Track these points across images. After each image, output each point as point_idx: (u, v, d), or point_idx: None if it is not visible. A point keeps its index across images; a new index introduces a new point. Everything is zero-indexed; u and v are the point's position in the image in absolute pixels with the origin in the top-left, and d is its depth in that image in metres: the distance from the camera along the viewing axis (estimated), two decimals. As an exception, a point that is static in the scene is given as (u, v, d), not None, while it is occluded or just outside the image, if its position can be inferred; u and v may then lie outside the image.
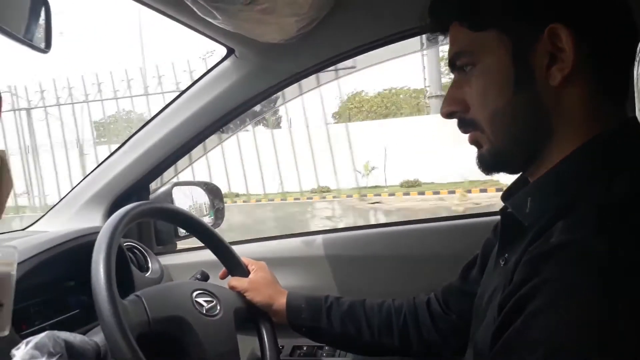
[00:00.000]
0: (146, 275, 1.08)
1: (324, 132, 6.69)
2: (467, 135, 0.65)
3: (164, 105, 1.21)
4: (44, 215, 1.26)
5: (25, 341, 0.62)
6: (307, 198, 7.44)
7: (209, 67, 1.17)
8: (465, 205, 6.57)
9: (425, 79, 9.43)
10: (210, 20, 0.84)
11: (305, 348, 1.18)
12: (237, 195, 7.65)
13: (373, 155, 7.03)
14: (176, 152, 1.20)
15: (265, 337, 0.95)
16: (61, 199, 1.26)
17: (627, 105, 0.61)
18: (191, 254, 1.32)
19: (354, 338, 0.94)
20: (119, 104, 6.47)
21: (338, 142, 6.55)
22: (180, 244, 1.35)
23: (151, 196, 1.26)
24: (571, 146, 0.56)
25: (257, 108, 1.24)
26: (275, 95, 1.21)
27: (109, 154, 1.25)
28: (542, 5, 0.56)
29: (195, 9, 0.80)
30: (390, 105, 7.80)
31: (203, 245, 1.02)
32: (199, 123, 1.17)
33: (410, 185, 7.28)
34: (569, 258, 0.46)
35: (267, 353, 0.93)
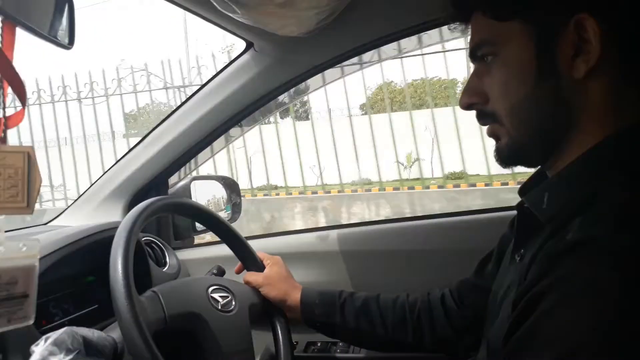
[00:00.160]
0: (164, 270, 1.09)
1: (359, 123, 6.48)
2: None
3: (183, 100, 1.21)
4: (65, 210, 1.28)
5: (44, 337, 0.63)
6: (352, 191, 7.22)
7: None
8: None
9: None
10: (229, 14, 0.83)
11: (319, 344, 1.19)
12: (275, 187, 7.42)
13: (412, 147, 6.70)
14: (195, 147, 1.21)
15: (279, 333, 0.95)
16: (82, 194, 1.28)
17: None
18: (208, 249, 1.33)
19: (367, 334, 0.94)
20: (152, 96, 6.51)
21: (375, 134, 6.36)
22: (198, 239, 1.36)
23: (170, 190, 1.27)
24: (592, 140, 0.55)
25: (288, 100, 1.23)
26: (312, 88, 1.21)
27: (128, 149, 1.26)
28: None
29: (214, 3, 0.80)
30: (424, 95, 7.60)
31: (220, 240, 1.03)
32: (218, 117, 1.17)
33: (456, 177, 7.00)
34: (586, 255, 0.45)
35: (281, 349, 0.94)
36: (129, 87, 6.29)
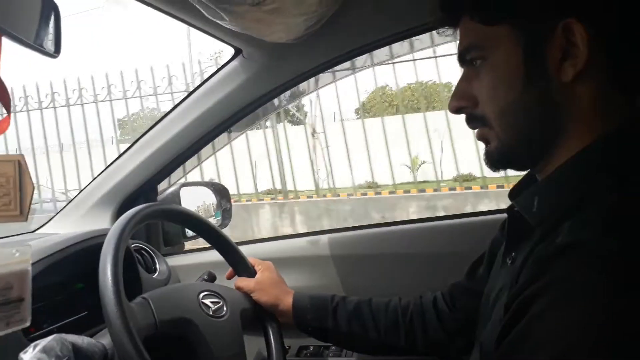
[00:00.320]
0: (153, 276, 1.08)
1: (359, 127, 6.39)
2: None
3: (171, 107, 1.21)
4: (53, 217, 1.27)
5: (33, 344, 0.62)
6: (362, 194, 7.09)
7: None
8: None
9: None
10: (217, 21, 0.83)
11: (311, 348, 1.19)
12: (279, 192, 7.25)
13: (412, 150, 6.57)
14: (184, 153, 1.21)
15: (271, 337, 0.95)
16: (70, 201, 1.27)
17: (638, 101, 0.60)
18: (199, 255, 1.33)
19: (360, 338, 0.94)
20: (142, 103, 6.42)
21: (376, 137, 6.27)
22: (188, 245, 1.36)
23: (159, 197, 1.27)
24: (580, 144, 0.55)
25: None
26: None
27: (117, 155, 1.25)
28: (557, 0, 0.55)
29: (202, 10, 0.80)
30: (422, 98, 7.54)
31: (210, 245, 1.02)
32: (206, 124, 1.17)
33: (465, 180, 6.89)
34: (576, 258, 0.46)
35: (274, 354, 0.93)
36: (119, 93, 6.23)
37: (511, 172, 0.68)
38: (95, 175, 1.27)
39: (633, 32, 0.55)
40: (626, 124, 0.55)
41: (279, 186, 6.90)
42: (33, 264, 0.81)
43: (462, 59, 0.63)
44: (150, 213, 0.86)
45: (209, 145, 1.25)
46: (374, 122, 6.53)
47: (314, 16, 0.90)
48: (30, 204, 0.47)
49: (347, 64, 1.15)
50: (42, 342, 0.63)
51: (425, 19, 0.95)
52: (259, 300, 0.96)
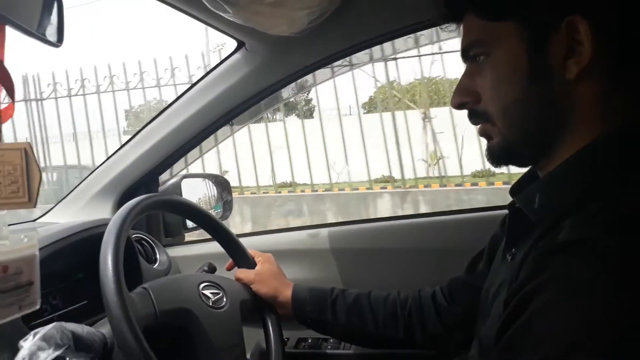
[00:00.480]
0: (154, 267, 1.09)
1: (374, 122, 6.28)
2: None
3: (174, 98, 1.22)
4: (54, 207, 1.27)
5: (33, 332, 0.63)
6: (381, 188, 6.98)
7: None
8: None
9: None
10: (220, 13, 0.83)
11: (310, 340, 1.19)
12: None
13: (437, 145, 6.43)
14: (186, 145, 1.21)
15: (270, 329, 0.96)
16: (71, 191, 1.28)
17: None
18: (199, 246, 1.33)
19: (358, 330, 0.95)
20: (145, 94, 6.37)
21: (391, 132, 6.17)
22: (188, 236, 1.36)
23: (160, 188, 1.27)
24: (583, 141, 0.55)
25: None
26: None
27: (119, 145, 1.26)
28: None
29: (206, 3, 0.80)
30: (432, 94, 7.42)
31: (211, 237, 1.03)
32: (208, 116, 1.17)
33: (482, 175, 6.81)
34: (577, 255, 0.46)
35: (272, 345, 0.94)
36: (121, 84, 6.20)
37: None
38: (97, 165, 1.28)
39: (636, 31, 0.55)
40: (628, 122, 0.55)
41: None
42: (34, 252, 0.82)
43: (466, 54, 0.63)
44: (151, 204, 0.86)
45: (211, 137, 1.25)
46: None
47: (317, 10, 0.90)
48: (38, 190, 0.48)
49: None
50: (42, 330, 0.63)
51: (428, 14, 0.95)
52: (259, 292, 0.97)
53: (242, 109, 1.18)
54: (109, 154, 1.26)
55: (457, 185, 6.52)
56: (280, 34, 0.96)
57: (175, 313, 0.80)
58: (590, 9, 0.53)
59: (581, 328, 0.42)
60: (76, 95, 6.19)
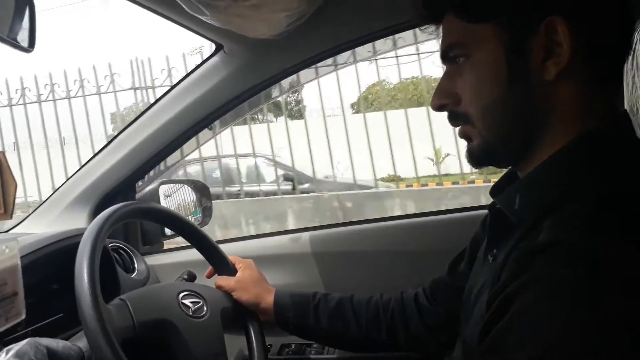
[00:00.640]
0: (132, 276, 1.06)
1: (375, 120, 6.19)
2: None
3: (151, 103, 1.19)
4: (27, 217, 1.23)
5: (5, 349, 0.60)
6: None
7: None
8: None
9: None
10: (198, 16, 0.82)
11: (293, 346, 1.18)
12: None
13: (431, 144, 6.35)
14: (163, 150, 1.19)
15: (252, 336, 0.95)
16: (45, 200, 1.24)
17: (618, 99, 0.61)
18: (178, 254, 1.31)
19: (341, 334, 0.94)
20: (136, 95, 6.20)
21: (391, 131, 6.08)
22: (167, 244, 1.34)
23: (137, 195, 1.25)
24: (562, 141, 0.56)
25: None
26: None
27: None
28: None
29: (183, 5, 0.79)
30: (425, 93, 7.46)
31: (190, 244, 1.01)
32: (187, 120, 1.16)
33: (490, 173, 6.82)
34: (557, 256, 0.46)
35: (255, 352, 0.93)
36: (93, 88, 6.05)
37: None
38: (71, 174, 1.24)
39: (614, 32, 0.56)
40: (606, 122, 0.56)
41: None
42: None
43: (445, 56, 0.63)
44: (127, 212, 0.84)
45: (192, 141, 1.23)
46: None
47: (296, 12, 0.89)
48: (14, 201, 0.46)
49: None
50: (16, 347, 0.60)
51: (408, 16, 0.95)
52: (240, 299, 0.96)
53: (221, 112, 1.16)
54: (83, 162, 1.23)
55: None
56: (259, 37, 0.95)
57: (155, 324, 0.78)
58: (568, 10, 0.53)
59: (563, 328, 0.43)
60: (46, 100, 6.02)
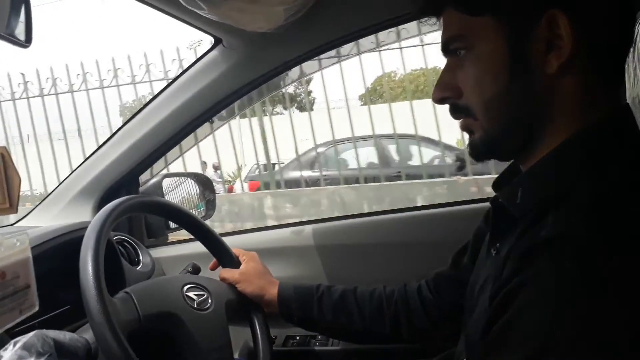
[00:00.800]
0: (137, 268, 1.07)
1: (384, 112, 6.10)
2: None
3: (152, 97, 1.20)
4: (32, 210, 1.24)
5: (13, 341, 0.61)
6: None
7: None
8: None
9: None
10: (196, 10, 0.82)
11: (298, 338, 1.19)
12: None
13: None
14: (166, 144, 1.19)
15: (257, 328, 0.95)
16: (50, 193, 1.25)
17: (620, 92, 0.61)
18: (183, 246, 1.32)
19: (345, 327, 0.95)
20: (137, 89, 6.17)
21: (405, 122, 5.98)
22: (172, 236, 1.35)
23: (141, 188, 1.25)
24: (564, 135, 0.55)
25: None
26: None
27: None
28: None
29: (180, 0, 0.79)
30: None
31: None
32: (187, 114, 1.16)
33: None
34: (559, 251, 0.46)
35: (260, 344, 0.94)
36: (95, 82, 6.03)
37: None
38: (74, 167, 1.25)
39: (616, 23, 0.55)
40: (608, 115, 0.55)
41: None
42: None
43: (446, 48, 0.62)
44: (131, 206, 0.85)
45: (192, 135, 1.23)
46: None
47: (294, 6, 0.89)
48: (18, 195, 0.47)
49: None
50: (23, 339, 0.62)
51: (408, 8, 0.95)
52: (244, 291, 0.96)
53: (221, 106, 1.16)
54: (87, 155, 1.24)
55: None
56: (258, 30, 0.95)
57: (160, 317, 0.79)
58: (569, 3, 0.53)
59: (567, 322, 0.43)
60: (48, 94, 6.02)
